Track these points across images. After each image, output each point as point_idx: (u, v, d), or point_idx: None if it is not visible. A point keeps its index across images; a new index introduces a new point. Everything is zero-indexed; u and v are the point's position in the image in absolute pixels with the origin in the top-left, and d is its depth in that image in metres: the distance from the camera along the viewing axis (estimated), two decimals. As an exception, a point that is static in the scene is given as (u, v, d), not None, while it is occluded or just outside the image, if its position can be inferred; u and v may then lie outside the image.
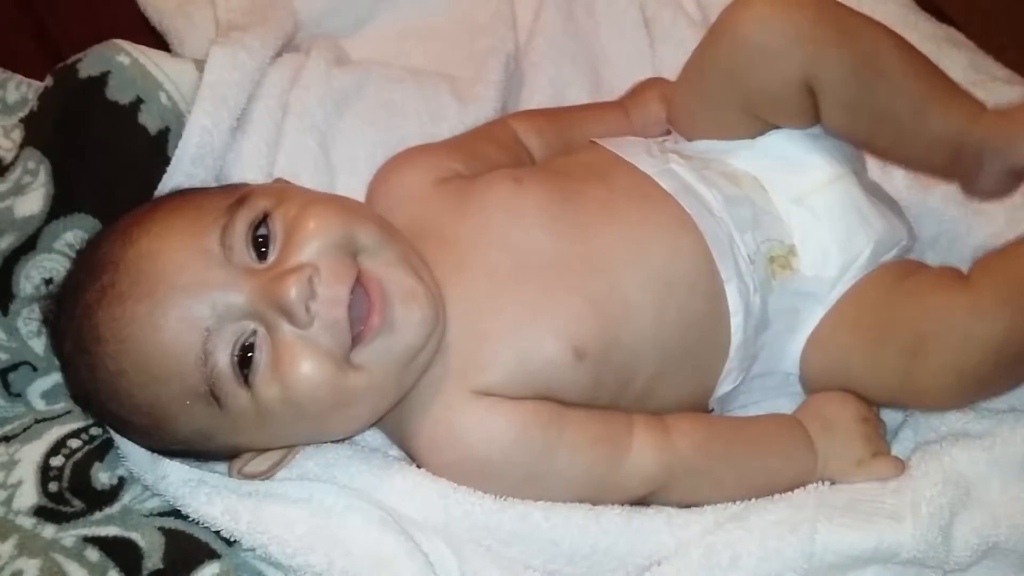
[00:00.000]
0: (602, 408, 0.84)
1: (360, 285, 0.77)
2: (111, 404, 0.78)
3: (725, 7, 0.89)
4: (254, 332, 0.76)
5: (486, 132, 1.02)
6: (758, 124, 0.91)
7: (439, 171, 0.91)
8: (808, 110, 0.87)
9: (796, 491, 0.83)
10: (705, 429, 0.85)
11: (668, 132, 0.99)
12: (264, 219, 0.78)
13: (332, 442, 0.84)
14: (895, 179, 1.01)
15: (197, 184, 0.94)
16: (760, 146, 0.92)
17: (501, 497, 0.80)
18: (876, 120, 0.87)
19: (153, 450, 0.82)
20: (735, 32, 0.86)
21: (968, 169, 0.86)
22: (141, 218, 0.80)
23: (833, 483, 0.84)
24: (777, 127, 0.91)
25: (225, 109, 0.96)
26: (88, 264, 0.80)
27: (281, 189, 0.85)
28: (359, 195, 0.96)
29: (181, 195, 0.87)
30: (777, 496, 0.83)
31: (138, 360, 0.75)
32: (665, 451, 0.83)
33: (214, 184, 0.95)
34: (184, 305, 0.75)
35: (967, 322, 0.81)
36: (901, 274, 0.89)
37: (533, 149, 1.00)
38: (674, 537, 0.80)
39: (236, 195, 0.80)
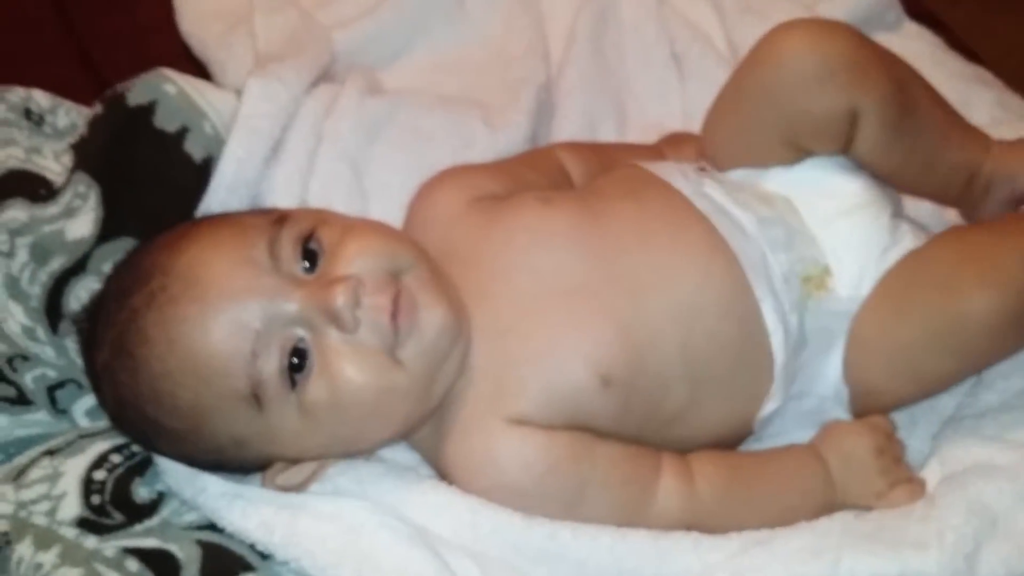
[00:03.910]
0: (632, 435, 0.85)
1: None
2: (149, 408, 0.80)
3: (763, 34, 0.90)
4: (302, 339, 0.79)
5: (529, 158, 1.04)
6: (792, 151, 0.92)
7: (475, 191, 0.94)
8: (847, 135, 0.89)
9: (822, 519, 0.84)
10: (728, 473, 0.87)
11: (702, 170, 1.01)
12: (311, 235, 0.82)
13: (363, 459, 0.86)
14: (920, 211, 1.02)
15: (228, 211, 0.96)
16: (794, 171, 0.93)
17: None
18: (911, 145, 0.89)
19: (184, 460, 0.84)
20: (779, 59, 0.88)
21: (976, 196, 0.92)
22: (185, 233, 0.83)
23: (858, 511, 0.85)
24: (811, 154, 0.92)
25: (259, 139, 0.99)
26: (133, 273, 0.82)
27: (317, 211, 0.90)
28: (392, 219, 0.98)
29: (218, 215, 0.91)
30: (803, 523, 0.84)
31: (186, 360, 0.78)
32: (690, 499, 0.85)
33: (248, 210, 0.98)
34: (235, 309, 0.78)
35: (995, 242, 0.85)
36: (911, 251, 0.91)
37: (576, 177, 1.02)
38: (700, 561, 0.81)
39: (275, 214, 0.85)
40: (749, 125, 0.93)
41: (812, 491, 0.87)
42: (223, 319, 0.78)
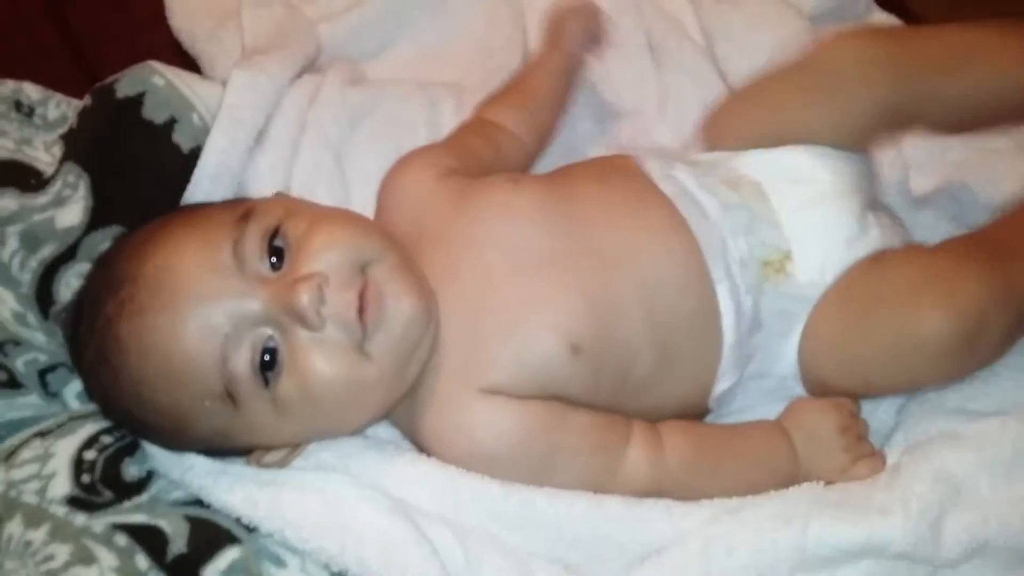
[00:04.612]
0: (605, 403, 0.87)
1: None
2: (134, 409, 0.82)
3: (819, 42, 0.95)
4: (271, 337, 0.80)
5: (467, 127, 1.05)
6: (794, 139, 0.95)
7: (436, 168, 0.95)
8: (882, 133, 0.95)
9: (791, 488, 0.86)
10: (696, 445, 0.88)
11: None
12: (276, 231, 0.83)
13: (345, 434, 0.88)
14: (889, 195, 1.05)
15: (216, 200, 0.98)
16: (772, 155, 0.96)
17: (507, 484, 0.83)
18: (979, 102, 0.93)
19: (172, 450, 0.86)
20: (831, 66, 0.93)
21: None
22: (152, 235, 0.84)
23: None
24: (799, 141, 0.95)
25: (242, 130, 1.00)
26: (105, 280, 0.84)
27: (286, 202, 0.90)
28: (373, 205, 1.00)
29: (187, 212, 0.90)
30: (773, 492, 0.86)
31: (160, 367, 0.80)
32: (656, 467, 0.86)
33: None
34: (203, 314, 0.79)
35: (956, 266, 0.87)
36: (875, 256, 0.93)
37: (511, 124, 1.04)
38: (673, 527, 0.83)
39: (242, 209, 0.85)
40: (780, 119, 0.96)
41: (776, 466, 0.89)
42: (192, 325, 0.79)
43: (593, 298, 0.87)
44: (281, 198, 0.94)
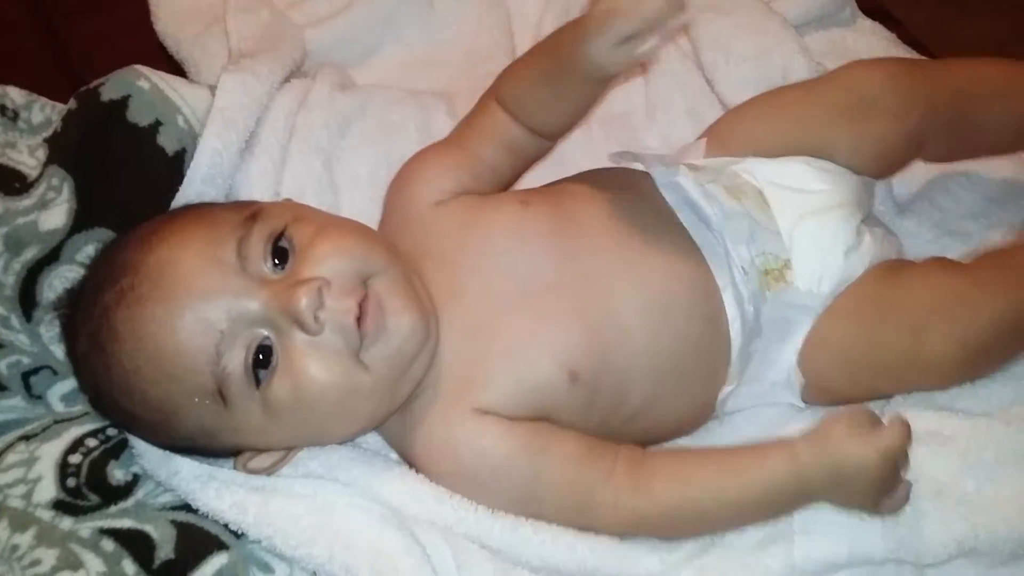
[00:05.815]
0: (595, 427, 0.87)
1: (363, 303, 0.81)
2: (123, 400, 0.82)
3: (847, 66, 0.99)
4: (266, 338, 0.80)
5: (484, 123, 0.97)
6: (805, 152, 0.97)
7: (444, 192, 0.94)
8: (895, 162, 0.98)
9: None
10: (683, 489, 0.83)
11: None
12: (282, 233, 0.83)
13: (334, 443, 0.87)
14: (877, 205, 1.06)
15: (207, 202, 0.97)
16: (775, 164, 0.96)
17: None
18: (988, 137, 0.98)
19: (159, 446, 0.85)
20: (864, 91, 0.95)
21: None
22: (159, 228, 0.84)
23: None
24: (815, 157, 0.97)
25: (234, 132, 1.00)
26: (107, 268, 0.84)
27: (294, 208, 0.90)
28: (362, 210, 1.01)
29: (195, 208, 0.91)
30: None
31: (153, 358, 0.80)
32: (638, 509, 0.83)
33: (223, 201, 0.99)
34: (200, 308, 0.79)
35: (971, 295, 0.88)
36: (893, 267, 0.94)
37: (536, 122, 0.95)
38: (662, 561, 0.83)
39: (250, 210, 0.85)
40: (795, 132, 0.97)
41: (778, 509, 0.84)
42: (188, 319, 0.79)
43: (596, 325, 0.87)
44: (290, 203, 0.94)
